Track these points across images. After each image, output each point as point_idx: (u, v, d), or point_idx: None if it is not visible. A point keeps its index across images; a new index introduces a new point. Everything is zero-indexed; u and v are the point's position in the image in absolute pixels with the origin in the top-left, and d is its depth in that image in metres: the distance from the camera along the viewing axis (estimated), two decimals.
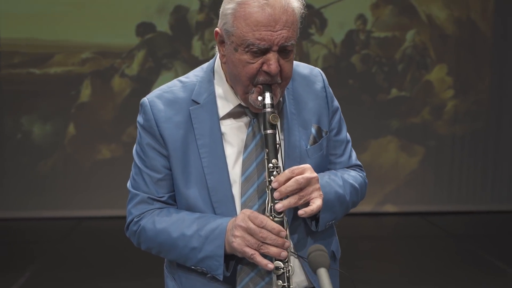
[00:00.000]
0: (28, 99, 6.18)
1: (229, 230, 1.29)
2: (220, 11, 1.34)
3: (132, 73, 6.25)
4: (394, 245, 5.57)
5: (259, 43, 1.25)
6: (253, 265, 1.34)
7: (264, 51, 1.27)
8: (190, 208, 1.38)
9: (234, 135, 1.39)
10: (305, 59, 6.51)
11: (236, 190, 1.37)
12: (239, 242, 1.25)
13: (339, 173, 1.48)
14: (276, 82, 1.31)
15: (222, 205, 1.36)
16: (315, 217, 1.37)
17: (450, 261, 4.85)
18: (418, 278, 4.39)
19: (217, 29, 1.35)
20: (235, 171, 1.37)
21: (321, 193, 1.29)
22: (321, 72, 1.54)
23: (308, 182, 1.27)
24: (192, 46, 6.29)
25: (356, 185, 1.49)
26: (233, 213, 1.35)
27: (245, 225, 1.25)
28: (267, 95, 1.30)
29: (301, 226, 1.41)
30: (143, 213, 1.42)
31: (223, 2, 1.33)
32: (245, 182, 1.36)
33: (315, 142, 1.43)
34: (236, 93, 1.38)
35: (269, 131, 1.30)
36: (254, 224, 1.24)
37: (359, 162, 1.57)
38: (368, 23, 6.54)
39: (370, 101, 6.65)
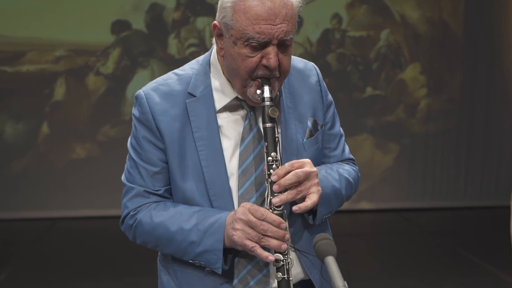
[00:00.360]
0: None
1: (229, 223, 1.29)
2: (219, 4, 1.34)
3: (107, 71, 6.17)
4: (372, 242, 5.65)
5: (258, 37, 1.26)
6: (250, 258, 1.35)
7: (263, 45, 1.28)
8: (187, 201, 1.37)
9: (230, 128, 1.39)
10: None
11: (233, 183, 1.37)
12: (239, 235, 1.25)
13: (335, 167, 1.50)
14: (275, 76, 1.32)
15: (219, 198, 1.36)
16: (312, 210, 1.37)
17: (427, 256, 4.94)
18: (398, 273, 4.46)
19: (215, 22, 1.35)
20: (232, 164, 1.37)
21: (319, 188, 1.30)
22: (315, 66, 1.55)
23: (307, 176, 1.28)
24: (168, 45, 6.24)
25: (351, 179, 1.51)
26: (230, 206, 1.35)
27: (245, 218, 1.25)
28: (266, 88, 1.31)
29: (298, 219, 1.42)
30: (139, 206, 1.40)
31: None
32: (242, 175, 1.37)
33: (311, 135, 1.45)
34: (233, 86, 1.38)
35: (268, 125, 1.30)
36: (254, 217, 1.24)
37: (352, 156, 1.59)
38: (343, 22, 6.60)
39: (346, 100, 6.72)
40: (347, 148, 1.59)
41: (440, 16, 6.78)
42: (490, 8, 6.81)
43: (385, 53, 6.71)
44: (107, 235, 5.47)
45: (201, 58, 1.49)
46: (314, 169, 1.30)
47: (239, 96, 1.39)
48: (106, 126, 6.21)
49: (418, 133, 6.90)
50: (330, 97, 1.55)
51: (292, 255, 1.38)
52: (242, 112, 1.40)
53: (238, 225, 1.26)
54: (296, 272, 1.40)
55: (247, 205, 1.28)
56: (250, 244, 1.25)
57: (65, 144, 6.16)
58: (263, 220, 1.24)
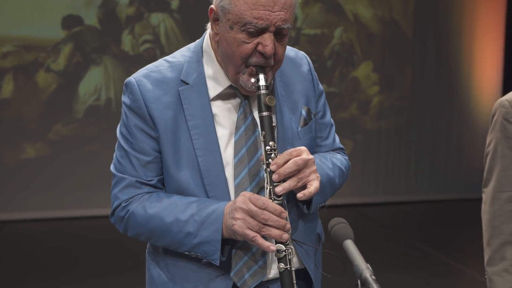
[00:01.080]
0: None
1: (227, 213, 1.26)
2: None
3: (59, 68, 5.96)
4: (328, 237, 5.72)
5: (256, 22, 1.23)
6: (246, 249, 1.32)
7: (260, 31, 1.25)
8: (182, 192, 1.33)
9: (225, 117, 1.36)
10: None
11: (229, 172, 1.34)
12: (240, 225, 1.22)
13: (328, 156, 1.49)
14: (269, 64, 1.29)
15: (215, 188, 1.32)
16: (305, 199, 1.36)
17: (382, 249, 5.06)
18: None
19: (212, 6, 1.31)
20: (227, 153, 1.34)
21: (318, 175, 1.29)
22: (306, 55, 1.54)
23: (306, 164, 1.26)
24: (122, 41, 6.10)
25: (343, 168, 1.51)
26: (226, 196, 1.32)
27: (246, 207, 1.22)
28: (262, 77, 1.28)
29: (293, 209, 1.40)
30: (132, 197, 1.35)
31: None
32: (238, 164, 1.34)
33: (305, 124, 1.43)
34: (227, 74, 1.35)
35: (264, 113, 1.28)
36: (255, 206, 1.22)
37: (342, 146, 1.60)
38: (298, 20, 6.66)
39: None
40: (337, 138, 1.59)
41: (391, 15, 6.96)
42: (438, 8, 7.04)
43: (338, 51, 6.82)
44: (62, 236, 5.29)
45: (192, 45, 1.45)
46: (311, 156, 1.29)
47: (233, 84, 1.36)
48: (58, 125, 6.00)
49: (371, 130, 7.06)
50: (321, 86, 1.55)
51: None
52: (235, 101, 1.38)
53: (239, 214, 1.23)
54: (294, 259, 1.38)
55: (247, 194, 1.25)
56: (251, 233, 1.22)
57: (14, 144, 5.90)
58: (264, 209, 1.21)
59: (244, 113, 1.36)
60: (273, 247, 1.21)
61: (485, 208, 1.91)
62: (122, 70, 6.08)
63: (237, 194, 1.32)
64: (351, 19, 6.82)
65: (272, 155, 1.26)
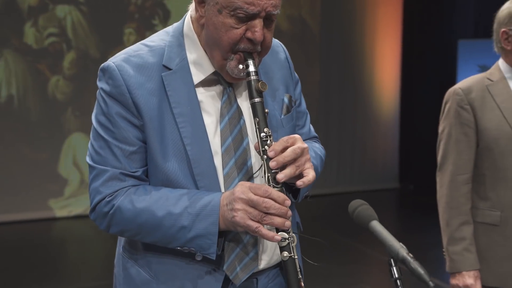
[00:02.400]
0: None
1: (225, 205, 1.20)
2: None
3: None
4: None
5: (247, 8, 1.18)
6: (237, 241, 1.27)
7: (250, 17, 1.20)
8: (169, 183, 1.25)
9: (210, 104, 1.30)
10: None
11: (217, 161, 1.28)
12: (241, 216, 1.17)
13: (309, 145, 1.48)
14: (257, 50, 1.25)
15: (204, 178, 1.26)
16: (291, 189, 1.34)
17: (305, 241, 5.17)
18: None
19: None
20: (215, 142, 1.28)
21: (311, 164, 1.26)
22: (281, 43, 1.52)
23: (302, 152, 1.24)
24: (24, 33, 5.69)
25: (322, 156, 1.51)
26: (216, 186, 1.26)
27: (246, 197, 1.16)
28: (251, 62, 1.23)
29: None
30: (116, 191, 1.25)
31: None
32: (226, 153, 1.28)
33: (288, 111, 1.40)
34: (211, 59, 1.30)
35: (257, 99, 1.23)
36: (256, 194, 1.17)
37: (316, 134, 1.59)
38: None
39: None
40: (312, 126, 1.58)
41: (300, 13, 7.14)
42: (342, 8, 7.34)
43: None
44: None
45: (170, 29, 1.37)
46: (306, 145, 1.26)
47: (217, 71, 1.30)
48: None
49: None
50: (296, 74, 1.53)
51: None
52: (218, 88, 1.31)
53: (238, 205, 1.17)
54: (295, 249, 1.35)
55: (246, 183, 1.20)
56: (253, 224, 1.16)
57: None
58: (267, 197, 1.16)
59: (229, 101, 1.31)
60: (277, 236, 1.17)
61: (442, 191, 2.01)
62: (25, 64, 5.68)
63: (226, 184, 1.27)
64: None
65: (268, 141, 1.22)
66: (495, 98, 1.94)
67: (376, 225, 1.11)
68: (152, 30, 6.35)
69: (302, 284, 1.18)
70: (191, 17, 1.33)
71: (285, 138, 1.23)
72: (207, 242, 1.20)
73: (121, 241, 1.43)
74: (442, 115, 2.05)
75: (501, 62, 2.01)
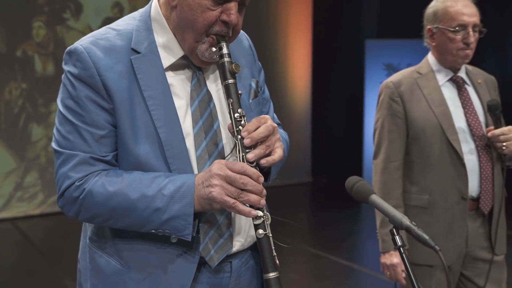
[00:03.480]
0: None
1: (201, 183, 1.20)
2: None
3: None
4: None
5: None
6: (211, 223, 1.28)
7: (226, 0, 1.23)
8: (141, 167, 1.23)
9: (180, 87, 1.29)
10: (61, 45, 6.10)
11: (189, 143, 1.27)
12: (218, 191, 1.17)
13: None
14: (229, 34, 1.27)
15: (177, 160, 1.25)
16: (262, 170, 1.34)
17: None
18: None
19: None
20: (186, 124, 1.28)
21: (281, 144, 1.29)
22: (244, 32, 1.53)
23: (273, 131, 1.27)
24: None
25: (287, 141, 1.54)
26: (189, 168, 1.26)
27: (223, 173, 1.17)
28: (224, 45, 1.25)
29: None
30: (86, 175, 1.21)
31: None
32: (197, 135, 1.28)
33: (255, 96, 1.41)
34: (181, 42, 1.30)
35: (230, 81, 1.25)
36: (232, 171, 1.18)
37: (279, 122, 1.62)
38: (124, 11, 6.47)
39: None
40: (275, 114, 1.61)
41: None
42: (256, 7, 7.45)
43: None
44: None
45: (136, 14, 1.35)
46: (275, 124, 1.30)
47: (186, 54, 1.31)
48: None
49: None
50: (259, 62, 1.56)
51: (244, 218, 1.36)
52: (188, 72, 1.31)
53: (216, 181, 1.17)
54: (253, 232, 1.36)
55: (222, 161, 1.21)
56: (230, 200, 1.17)
57: None
58: (242, 173, 1.18)
59: (199, 84, 1.32)
60: (254, 212, 1.18)
61: (376, 177, 2.13)
62: None
63: (199, 166, 1.28)
64: None
65: (242, 122, 1.24)
66: (422, 90, 2.06)
67: (376, 198, 1.17)
68: (63, 24, 6.11)
69: (277, 262, 1.21)
70: (158, 1, 1.33)
71: (257, 118, 1.26)
72: (182, 224, 1.20)
73: (86, 233, 1.39)
74: (377, 107, 2.16)
75: (429, 56, 2.14)
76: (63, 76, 1.28)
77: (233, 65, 1.26)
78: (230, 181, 1.18)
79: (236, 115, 1.24)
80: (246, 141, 1.22)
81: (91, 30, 6.18)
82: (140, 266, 1.28)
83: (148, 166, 1.24)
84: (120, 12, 6.44)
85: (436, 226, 2.05)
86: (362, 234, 5.67)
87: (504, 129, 2.00)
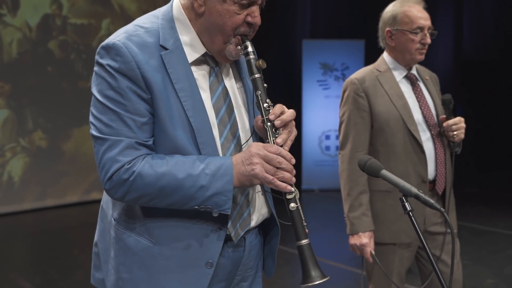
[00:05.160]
0: None
1: (240, 162, 1.33)
2: None
3: None
4: None
5: None
6: (235, 203, 1.40)
7: (250, 4, 1.37)
8: (177, 151, 1.34)
9: (203, 81, 1.42)
10: None
11: (215, 132, 1.40)
12: (260, 169, 1.31)
13: None
14: (251, 34, 1.42)
15: (206, 146, 1.37)
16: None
17: None
18: None
19: None
20: (210, 115, 1.40)
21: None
22: None
23: (293, 115, 1.43)
24: None
25: None
26: (216, 154, 1.38)
27: (262, 153, 1.31)
28: (249, 44, 1.40)
29: None
30: (134, 159, 1.30)
31: None
32: (220, 124, 1.41)
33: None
34: (208, 43, 1.42)
35: (257, 75, 1.40)
36: (269, 151, 1.32)
37: None
38: (63, 8, 6.36)
39: (71, 89, 6.50)
40: None
41: (154, 9, 7.17)
42: None
43: None
44: None
45: (158, 13, 1.44)
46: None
47: (208, 52, 1.43)
48: None
49: None
50: None
51: (261, 197, 1.51)
52: (206, 67, 1.44)
53: (256, 159, 1.31)
54: (265, 211, 1.52)
55: (259, 143, 1.35)
56: (269, 176, 1.31)
57: None
58: (278, 154, 1.32)
59: (217, 79, 1.44)
60: (289, 187, 1.33)
61: (343, 166, 2.31)
62: None
63: (223, 152, 1.40)
64: (117, 11, 6.82)
65: (270, 110, 1.39)
66: (383, 86, 2.26)
67: (386, 172, 1.35)
68: (0, 20, 5.91)
69: (306, 230, 1.37)
70: (181, 4, 1.44)
71: (279, 105, 1.42)
72: (223, 199, 1.32)
73: (108, 218, 1.48)
74: (341, 102, 2.34)
75: (385, 56, 2.34)
76: (96, 68, 1.36)
77: (260, 61, 1.40)
78: (267, 160, 1.32)
79: (265, 105, 1.39)
80: (277, 123, 1.37)
81: (29, 27, 6.05)
82: (171, 243, 1.39)
83: (183, 150, 1.36)
84: (59, 9, 6.32)
85: (399, 208, 2.27)
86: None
87: (456, 119, 2.23)
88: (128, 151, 1.31)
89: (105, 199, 1.54)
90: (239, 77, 1.53)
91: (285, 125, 1.40)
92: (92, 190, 6.71)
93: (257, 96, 1.41)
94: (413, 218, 1.30)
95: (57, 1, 6.30)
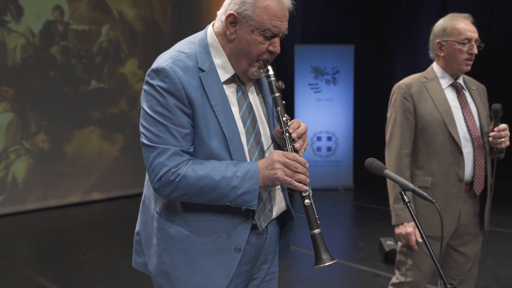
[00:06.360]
0: None
1: (264, 168, 1.60)
2: None
3: None
4: (104, 229, 5.90)
5: (274, 29, 1.62)
6: (260, 199, 1.68)
7: (273, 36, 1.64)
8: (212, 156, 1.61)
9: (232, 97, 1.69)
10: (2, 48, 6.11)
11: (243, 139, 1.67)
12: (281, 173, 1.58)
13: None
14: (271, 60, 1.70)
15: (236, 152, 1.64)
16: None
17: None
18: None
19: (232, 12, 1.62)
20: (239, 125, 1.67)
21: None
22: None
23: (306, 129, 1.72)
24: None
25: None
26: (244, 158, 1.66)
27: (282, 160, 1.60)
28: (270, 68, 1.68)
29: None
30: (179, 164, 1.57)
31: None
32: (247, 133, 1.69)
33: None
34: (236, 65, 1.68)
35: (277, 94, 1.68)
36: (288, 158, 1.60)
37: None
38: (65, 15, 6.57)
39: (72, 93, 6.72)
40: None
41: (152, 15, 7.43)
42: (192, 10, 7.80)
43: (106, 48, 6.97)
44: None
45: (195, 39, 1.71)
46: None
47: (236, 73, 1.70)
48: None
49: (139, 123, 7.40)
50: None
51: (280, 192, 1.79)
52: (235, 85, 1.71)
53: (278, 165, 1.58)
54: (283, 205, 1.81)
55: (279, 151, 1.63)
56: (288, 179, 1.58)
57: None
58: (295, 160, 1.61)
59: (243, 96, 1.72)
60: (304, 187, 1.62)
61: (389, 162, 2.54)
62: None
63: (250, 156, 1.68)
64: (116, 17, 7.05)
65: (288, 123, 1.67)
66: (429, 92, 2.50)
67: (388, 172, 1.64)
68: (5, 26, 6.12)
69: (318, 222, 1.65)
70: (214, 31, 1.71)
71: (296, 120, 1.70)
72: (251, 197, 1.60)
73: (151, 211, 1.75)
74: (390, 104, 2.59)
75: (434, 65, 2.58)
76: (146, 87, 1.63)
77: (279, 82, 1.68)
78: (286, 165, 1.61)
79: (284, 118, 1.67)
80: (294, 135, 1.66)
81: (32, 33, 6.27)
82: (207, 232, 1.66)
83: (217, 156, 1.63)
84: (60, 15, 6.53)
85: (437, 203, 2.40)
86: None
87: (502, 126, 2.44)
88: (174, 157, 1.58)
89: (147, 196, 1.81)
90: (260, 93, 1.81)
91: (300, 136, 1.69)
92: (92, 190, 6.93)
93: (277, 111, 1.68)
94: (410, 208, 1.58)
95: (59, 8, 6.51)
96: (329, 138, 7.68)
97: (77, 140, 6.78)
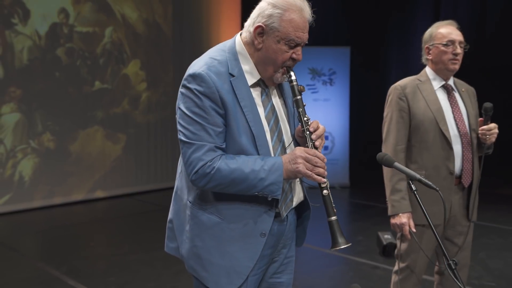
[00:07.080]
0: None
1: (288, 161, 1.80)
2: (263, 12, 1.81)
3: None
4: (110, 226, 6.05)
5: (297, 40, 1.82)
6: (283, 187, 1.86)
7: (296, 45, 1.84)
8: (242, 152, 1.81)
9: (258, 99, 1.90)
10: (9, 49, 6.26)
11: (268, 137, 1.88)
12: (302, 167, 1.79)
13: None
14: (293, 65, 1.92)
15: (262, 148, 1.84)
16: None
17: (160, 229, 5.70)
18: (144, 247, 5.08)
19: (260, 24, 1.82)
20: (264, 124, 1.88)
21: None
22: None
23: (324, 129, 1.94)
24: None
25: None
26: (269, 153, 1.86)
27: (304, 155, 1.80)
28: (293, 73, 1.89)
29: None
30: (213, 158, 1.77)
31: (266, 5, 1.82)
32: (271, 131, 1.89)
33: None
34: (262, 71, 1.89)
35: (299, 97, 1.88)
36: (309, 154, 1.80)
37: None
38: (70, 17, 6.74)
39: (76, 93, 6.89)
40: None
41: (154, 18, 7.61)
42: (192, 12, 7.98)
43: (110, 49, 7.15)
44: None
45: (225, 47, 1.91)
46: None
47: (262, 78, 1.91)
48: None
49: (141, 123, 7.60)
50: None
51: (298, 184, 2.00)
52: (260, 89, 1.92)
53: (300, 160, 1.78)
54: (301, 195, 2.01)
55: (301, 148, 1.83)
56: (308, 172, 1.77)
57: None
58: (315, 156, 1.81)
59: (267, 98, 1.93)
60: (323, 179, 1.83)
61: None
62: None
63: (274, 151, 1.89)
64: (119, 19, 7.22)
65: (309, 122, 1.88)
66: (422, 93, 2.71)
67: (398, 164, 1.86)
68: (12, 29, 6.28)
69: (335, 210, 1.87)
70: (242, 40, 1.91)
71: (315, 121, 1.91)
72: (276, 188, 1.81)
73: (184, 200, 1.95)
74: (386, 104, 2.80)
75: (427, 69, 2.80)
76: (184, 90, 1.83)
77: (300, 86, 1.90)
78: (307, 160, 1.82)
79: (305, 119, 1.88)
80: (313, 136, 1.87)
81: (38, 35, 6.44)
82: (235, 219, 1.86)
83: (246, 151, 1.84)
84: (66, 18, 6.70)
85: (429, 194, 2.43)
86: None
87: (491, 125, 2.66)
88: (209, 153, 1.79)
89: (179, 187, 2.01)
90: (281, 96, 2.02)
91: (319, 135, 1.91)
92: (96, 188, 7.11)
93: (299, 112, 1.89)
94: (418, 197, 1.80)
95: (64, 11, 6.68)
96: (325, 138, 7.90)
97: (82, 140, 6.96)
